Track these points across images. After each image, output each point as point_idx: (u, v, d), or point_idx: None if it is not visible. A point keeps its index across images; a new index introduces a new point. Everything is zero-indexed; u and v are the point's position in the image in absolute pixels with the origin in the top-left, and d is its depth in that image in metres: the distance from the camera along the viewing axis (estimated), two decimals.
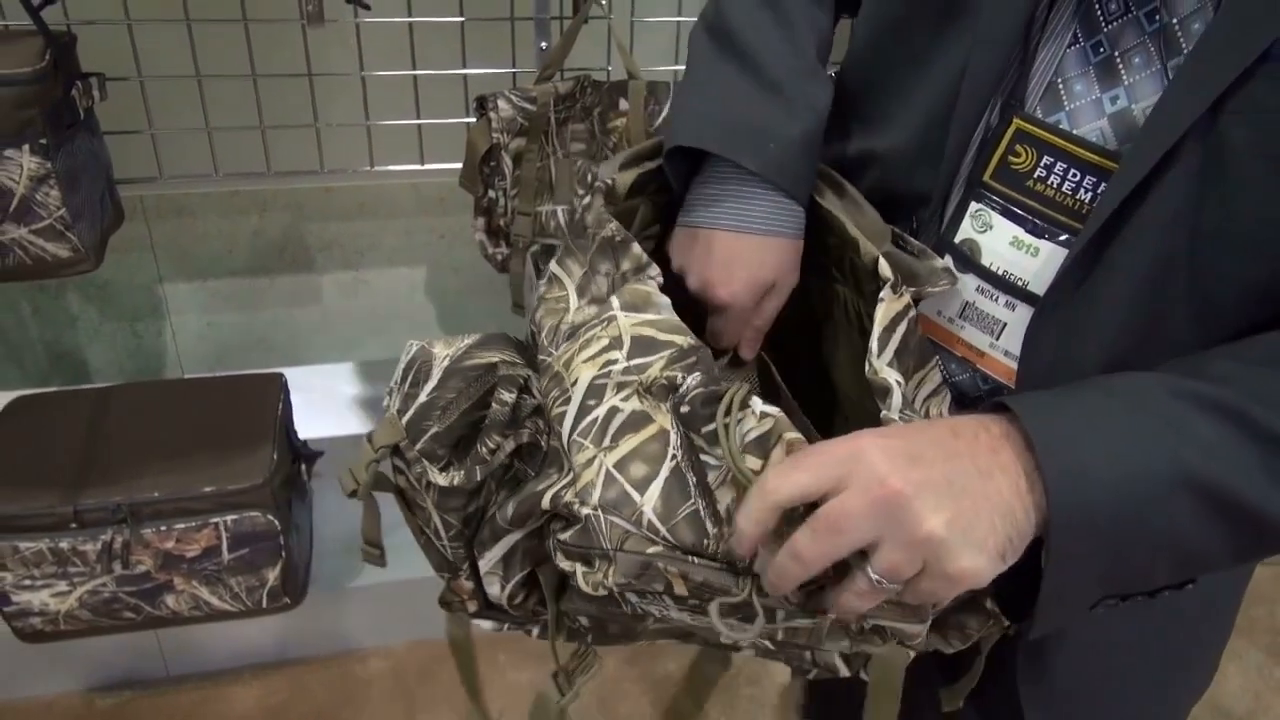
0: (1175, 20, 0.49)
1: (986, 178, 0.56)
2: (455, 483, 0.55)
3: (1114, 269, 0.51)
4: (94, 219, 1.06)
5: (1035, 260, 0.54)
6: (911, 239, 0.59)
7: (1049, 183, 0.53)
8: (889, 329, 0.54)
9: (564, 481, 0.50)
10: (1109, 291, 0.51)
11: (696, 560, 0.47)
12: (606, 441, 0.50)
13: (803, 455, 0.45)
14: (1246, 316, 0.50)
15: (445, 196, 1.61)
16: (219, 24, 1.21)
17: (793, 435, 0.47)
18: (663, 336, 0.53)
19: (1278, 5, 0.44)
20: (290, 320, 1.68)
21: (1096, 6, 0.51)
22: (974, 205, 0.57)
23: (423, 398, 0.55)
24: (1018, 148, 0.54)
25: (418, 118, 1.33)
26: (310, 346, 1.71)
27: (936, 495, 0.43)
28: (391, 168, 1.38)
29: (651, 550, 0.47)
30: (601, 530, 0.47)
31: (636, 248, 0.58)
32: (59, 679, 1.42)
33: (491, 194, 1.24)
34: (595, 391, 0.51)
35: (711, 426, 0.48)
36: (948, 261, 0.58)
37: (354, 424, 1.59)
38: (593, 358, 0.53)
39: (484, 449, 0.55)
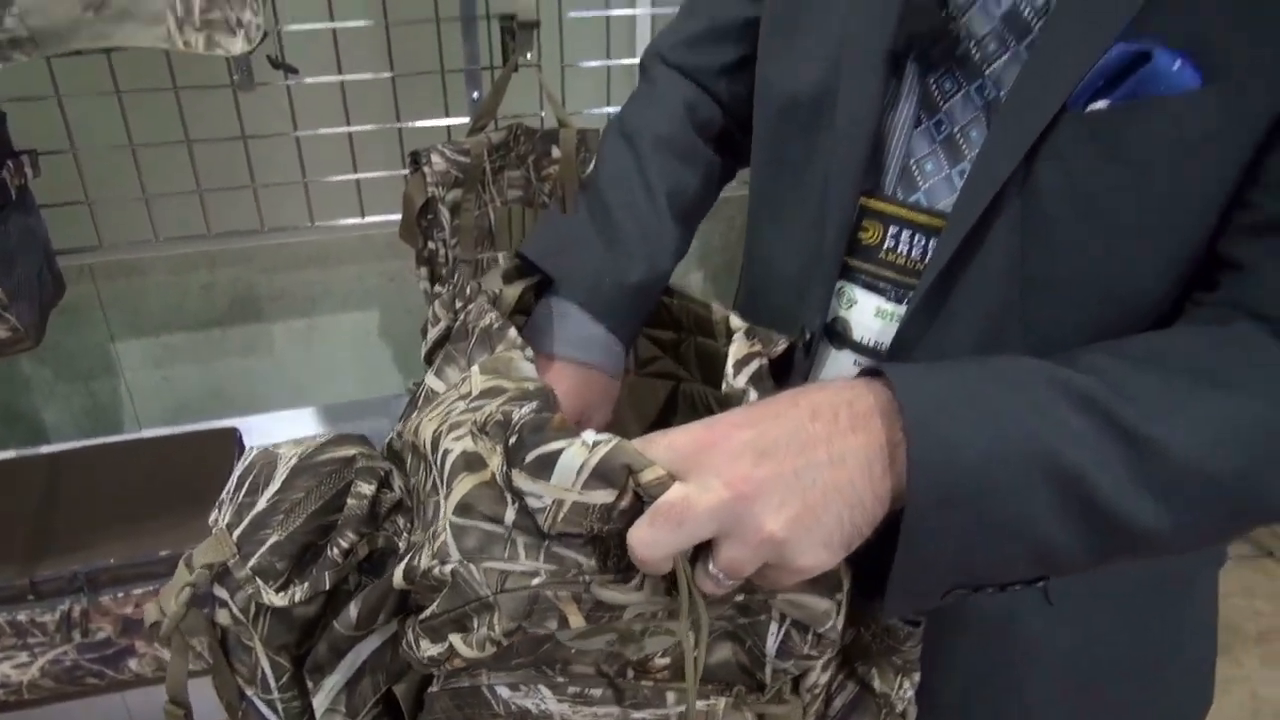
0: (1002, 93, 0.51)
1: (846, 257, 0.59)
2: (297, 599, 0.47)
3: (952, 322, 0.53)
4: (32, 297, 1.07)
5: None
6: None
7: (899, 251, 0.56)
8: (742, 362, 0.55)
9: (423, 553, 0.44)
10: (950, 343, 0.54)
11: (587, 577, 0.43)
12: (443, 489, 0.44)
13: (650, 449, 0.43)
14: None
15: (394, 241, 1.61)
16: (151, 93, 1.22)
17: (651, 472, 0.42)
18: (511, 385, 0.48)
19: (1071, 63, 0.47)
20: (246, 370, 1.68)
21: (934, 86, 0.54)
22: (839, 284, 0.60)
23: (261, 504, 0.48)
24: (865, 223, 0.57)
25: (355, 172, 1.35)
26: (267, 395, 1.71)
27: (781, 493, 0.42)
28: (333, 223, 1.40)
29: (537, 581, 0.42)
30: (474, 580, 0.42)
31: (513, 332, 0.54)
32: None
33: (431, 245, 1.26)
34: (435, 445, 0.46)
35: (536, 453, 0.42)
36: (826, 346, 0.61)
37: None
38: (438, 414, 0.48)
39: (335, 550, 0.48)
